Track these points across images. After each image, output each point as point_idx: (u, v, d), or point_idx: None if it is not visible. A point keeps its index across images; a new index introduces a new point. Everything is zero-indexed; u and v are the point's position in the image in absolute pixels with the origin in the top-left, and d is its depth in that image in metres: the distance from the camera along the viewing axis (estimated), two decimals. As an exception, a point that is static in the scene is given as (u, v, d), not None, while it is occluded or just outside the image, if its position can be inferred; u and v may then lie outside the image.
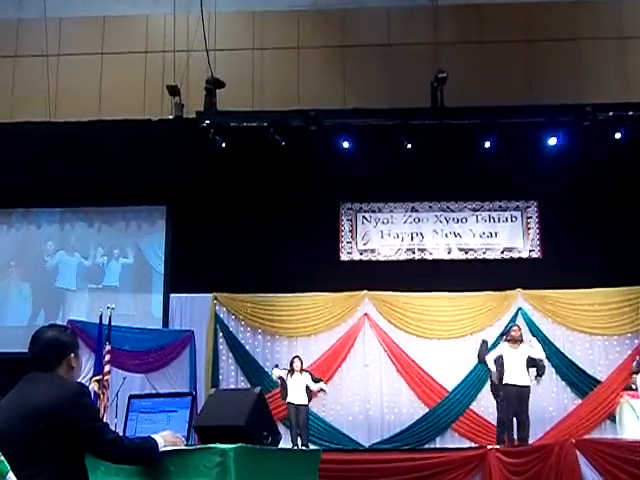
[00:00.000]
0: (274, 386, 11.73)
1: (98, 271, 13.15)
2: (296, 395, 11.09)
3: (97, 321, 11.20)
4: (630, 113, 11.58)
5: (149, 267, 13.21)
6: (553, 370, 12.30)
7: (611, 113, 11.54)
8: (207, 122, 11.70)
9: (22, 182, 12.30)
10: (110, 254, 13.18)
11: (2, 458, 2.69)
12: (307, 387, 11.20)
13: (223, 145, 11.90)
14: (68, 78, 12.46)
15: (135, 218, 13.24)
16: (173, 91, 11.84)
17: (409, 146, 11.92)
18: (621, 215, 12.46)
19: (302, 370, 11.29)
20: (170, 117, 12.04)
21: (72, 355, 3.39)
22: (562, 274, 12.38)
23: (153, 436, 3.40)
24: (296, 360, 11.36)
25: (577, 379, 12.34)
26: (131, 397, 4.14)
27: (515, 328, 10.72)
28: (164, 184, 12.44)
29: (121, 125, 11.95)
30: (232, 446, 3.38)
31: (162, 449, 3.36)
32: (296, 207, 12.71)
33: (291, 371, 11.23)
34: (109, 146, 11.85)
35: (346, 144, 12.09)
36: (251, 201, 12.78)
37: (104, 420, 3.38)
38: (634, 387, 11.16)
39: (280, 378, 11.26)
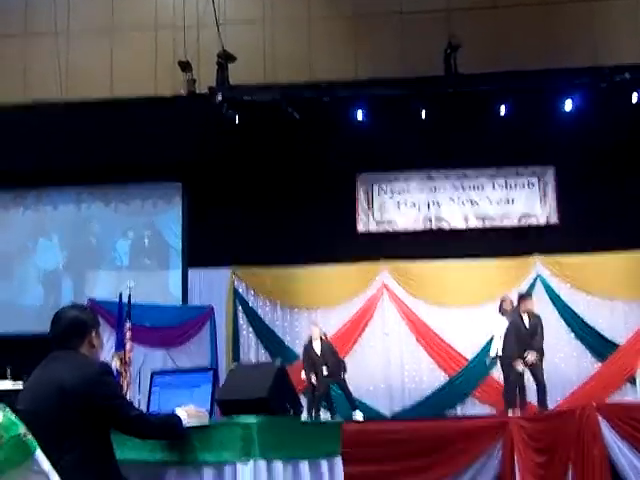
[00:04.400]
0: (295, 358, 11.80)
1: (115, 249, 13.21)
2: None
3: (116, 299, 11.26)
4: (647, 75, 11.44)
5: (166, 244, 13.26)
6: (573, 335, 12.33)
7: (627, 75, 11.38)
8: (220, 97, 11.65)
9: (36, 163, 12.35)
10: (127, 232, 13.24)
11: (30, 436, 2.72)
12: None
13: (237, 120, 11.87)
14: (79, 56, 12.38)
15: (151, 196, 13.25)
16: (184, 67, 11.77)
17: (424, 114, 11.84)
18: (638, 179, 12.34)
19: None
20: (182, 93, 12.00)
21: (93, 333, 3.44)
22: (580, 239, 12.32)
23: (176, 411, 3.44)
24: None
25: (597, 343, 12.34)
26: (154, 373, 4.18)
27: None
28: (179, 161, 12.45)
29: (134, 102, 11.92)
30: (255, 419, 3.42)
31: (186, 424, 3.40)
32: (312, 179, 12.69)
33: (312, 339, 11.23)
34: (123, 124, 11.84)
35: (360, 115, 12.01)
36: (267, 175, 12.76)
37: (127, 397, 3.40)
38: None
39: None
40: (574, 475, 6.14)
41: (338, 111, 11.84)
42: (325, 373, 10.88)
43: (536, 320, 9.88)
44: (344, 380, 11.06)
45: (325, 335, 11.27)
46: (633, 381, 11.49)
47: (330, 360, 10.94)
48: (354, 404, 11.12)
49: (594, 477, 6.05)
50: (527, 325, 9.84)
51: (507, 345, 9.81)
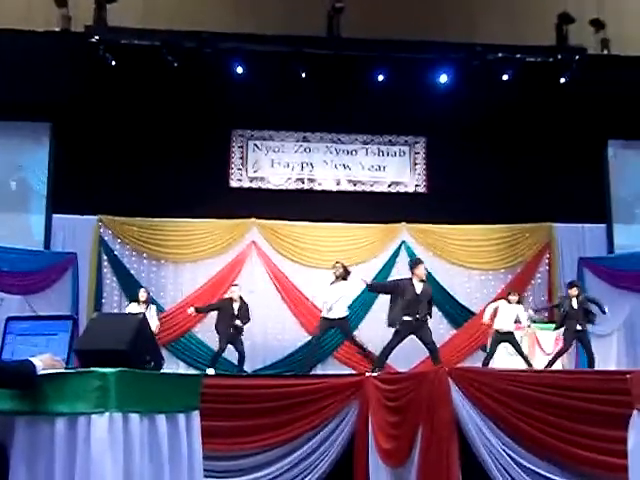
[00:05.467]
0: (160, 310, 11.70)
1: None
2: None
3: (-29, 241, 10.78)
4: (518, 56, 11.92)
5: (29, 187, 12.71)
6: (432, 302, 12.79)
7: (500, 54, 11.84)
8: (97, 37, 11.25)
9: None
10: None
11: None
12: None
13: (113, 63, 11.51)
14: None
15: (17, 135, 12.58)
16: (60, 2, 11.28)
17: (303, 75, 11.86)
18: (504, 155, 12.90)
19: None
20: (57, 29, 11.48)
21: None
22: (445, 210, 12.77)
23: (31, 359, 3.35)
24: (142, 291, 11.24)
25: (454, 311, 12.89)
26: (9, 319, 4.05)
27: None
28: (49, 100, 11.89)
29: (3, 34, 11.30)
30: (113, 370, 3.38)
31: (41, 372, 3.32)
32: (187, 131, 12.54)
33: (138, 302, 11.03)
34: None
35: (240, 69, 11.92)
36: (141, 122, 12.47)
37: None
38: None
39: None
40: (423, 435, 6.39)
41: (218, 63, 11.71)
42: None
43: (427, 286, 9.70)
44: (241, 342, 10.96)
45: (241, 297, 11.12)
46: (484, 348, 12.08)
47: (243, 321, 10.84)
48: (243, 363, 11.03)
49: (441, 437, 6.31)
50: (418, 291, 9.54)
51: (393, 309, 9.65)
